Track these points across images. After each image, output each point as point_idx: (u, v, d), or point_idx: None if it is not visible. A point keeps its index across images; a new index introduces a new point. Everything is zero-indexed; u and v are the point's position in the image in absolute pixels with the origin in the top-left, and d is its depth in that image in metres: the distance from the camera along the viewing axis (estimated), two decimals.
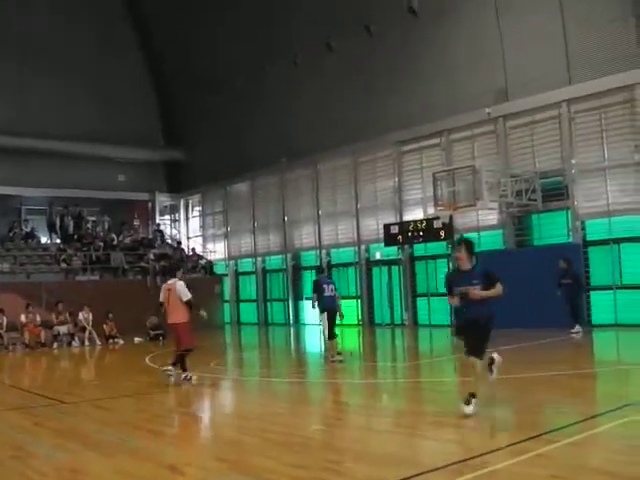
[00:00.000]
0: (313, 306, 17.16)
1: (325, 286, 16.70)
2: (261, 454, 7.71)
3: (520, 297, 18.33)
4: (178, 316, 13.56)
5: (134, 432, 9.31)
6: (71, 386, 15.54)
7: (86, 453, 8.09)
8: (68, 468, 7.47)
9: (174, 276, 14.04)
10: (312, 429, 9.28)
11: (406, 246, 27.28)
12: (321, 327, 17.16)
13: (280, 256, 33.66)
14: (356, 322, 29.16)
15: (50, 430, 9.71)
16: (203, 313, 14.54)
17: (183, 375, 13.54)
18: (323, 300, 16.58)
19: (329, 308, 16.53)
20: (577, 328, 19.48)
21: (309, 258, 32.31)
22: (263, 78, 32.21)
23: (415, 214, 26.92)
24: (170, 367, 13.74)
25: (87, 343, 25.57)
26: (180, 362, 13.66)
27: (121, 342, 25.66)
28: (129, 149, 38.16)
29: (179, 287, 13.55)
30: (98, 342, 25.66)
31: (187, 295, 13.51)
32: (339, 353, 16.40)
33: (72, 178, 35.61)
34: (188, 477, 6.92)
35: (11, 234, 34.05)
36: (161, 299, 13.92)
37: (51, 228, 35.78)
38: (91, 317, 26.08)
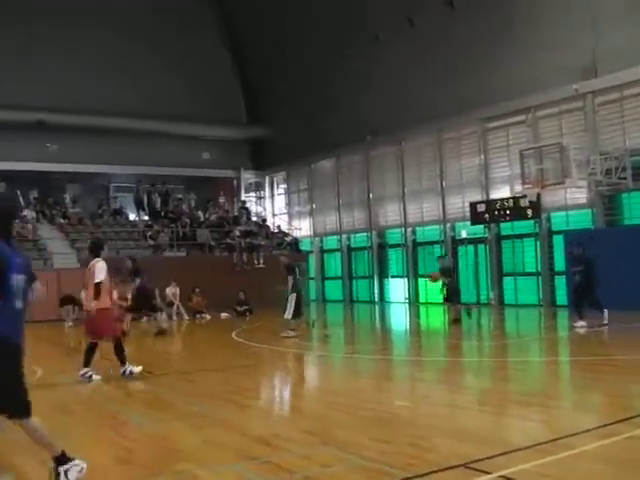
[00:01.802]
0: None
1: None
2: (347, 428, 7.75)
3: (610, 277, 17.90)
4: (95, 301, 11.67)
5: (222, 404, 9.46)
6: (160, 359, 15.89)
7: (175, 423, 8.27)
8: (159, 436, 7.66)
9: (97, 255, 12.01)
10: (397, 405, 9.27)
11: (492, 225, 26.94)
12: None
13: (365, 234, 33.60)
14: (442, 301, 28.95)
15: (141, 401, 9.99)
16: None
17: (82, 371, 11.70)
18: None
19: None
20: (580, 322, 17.28)
21: (394, 236, 32.20)
22: (346, 55, 32.03)
23: (502, 192, 26.47)
24: (84, 369, 11.72)
25: (175, 318, 26.05)
26: (86, 355, 11.80)
27: (208, 317, 26.05)
28: (214, 127, 38.56)
29: (95, 268, 11.69)
30: (185, 317, 26.13)
31: (99, 277, 11.61)
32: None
33: (158, 156, 36.16)
34: (275, 448, 6.99)
35: (100, 211, 34.91)
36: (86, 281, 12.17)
37: (139, 205, 36.52)
38: (178, 292, 26.57)
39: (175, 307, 26.29)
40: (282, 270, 18.93)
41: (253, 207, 40.62)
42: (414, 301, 30.42)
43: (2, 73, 32.75)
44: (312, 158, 36.06)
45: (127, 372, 11.78)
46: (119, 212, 35.40)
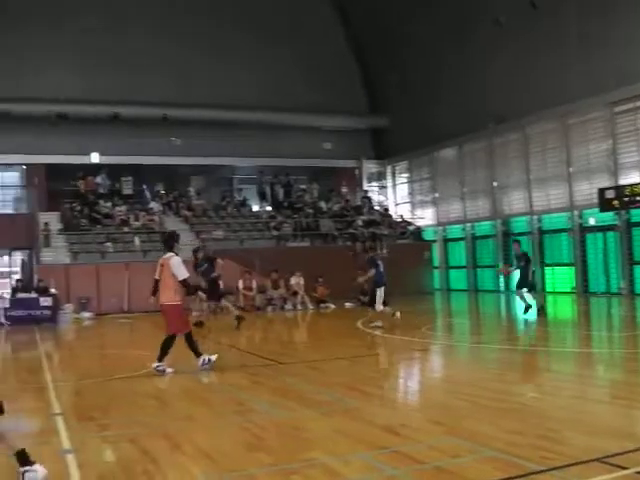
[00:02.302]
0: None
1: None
2: (475, 419, 7.66)
3: None
4: (168, 296, 11.53)
5: (348, 393, 9.47)
6: (286, 348, 16.11)
7: (304, 411, 8.35)
8: (288, 424, 7.75)
9: (171, 249, 11.81)
10: (527, 396, 9.07)
11: (622, 211, 26.06)
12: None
13: (489, 222, 33.08)
14: (570, 290, 28.31)
15: (268, 388, 10.10)
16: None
17: (155, 364, 11.52)
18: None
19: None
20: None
21: (519, 224, 31.59)
22: (466, 40, 31.56)
23: (632, 178, 25.58)
24: (157, 363, 11.54)
25: (299, 307, 26.35)
26: (163, 348, 11.59)
27: (332, 307, 26.21)
28: (335, 117, 38.64)
29: (174, 263, 11.47)
30: (310, 306, 26.37)
31: (184, 274, 11.48)
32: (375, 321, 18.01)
33: (281, 148, 36.55)
34: (403, 438, 6.97)
35: (224, 203, 35.59)
36: (155, 276, 11.80)
37: (262, 196, 37.10)
38: (302, 282, 26.83)
39: (299, 297, 26.57)
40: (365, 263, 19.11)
41: (375, 196, 40.58)
42: (540, 290, 29.80)
43: (131, 69, 33.87)
44: (434, 146, 35.71)
45: (205, 361, 11.67)
46: (243, 203, 36.02)
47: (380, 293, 18.18)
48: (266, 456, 6.49)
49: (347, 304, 26.46)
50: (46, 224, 28.91)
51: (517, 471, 5.70)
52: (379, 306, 18.14)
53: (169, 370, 11.52)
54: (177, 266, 11.35)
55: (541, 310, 19.36)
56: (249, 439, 7.12)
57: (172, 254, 11.58)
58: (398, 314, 18.03)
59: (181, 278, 11.33)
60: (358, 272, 20.73)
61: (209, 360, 11.69)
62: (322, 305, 26.42)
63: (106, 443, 7.22)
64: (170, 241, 11.99)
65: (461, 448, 6.47)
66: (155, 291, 11.67)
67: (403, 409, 8.85)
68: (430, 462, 6.03)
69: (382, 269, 18.63)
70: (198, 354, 11.75)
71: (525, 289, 19.61)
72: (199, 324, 18.90)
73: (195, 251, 20.90)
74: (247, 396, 9.54)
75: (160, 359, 11.45)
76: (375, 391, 9.93)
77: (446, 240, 36.45)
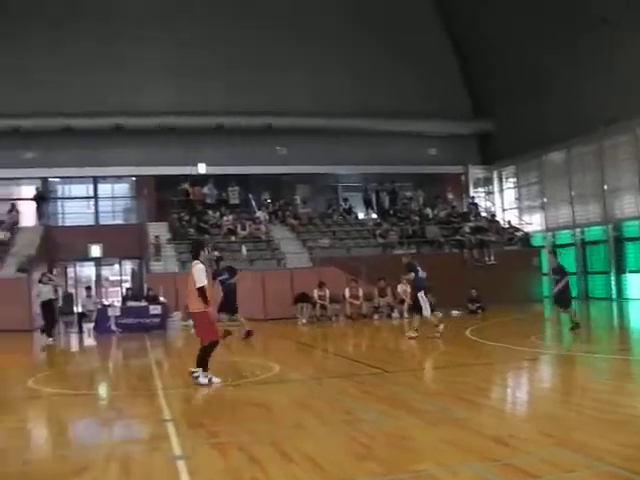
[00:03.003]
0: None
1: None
2: (585, 431, 7.43)
3: None
4: (193, 304, 11.59)
5: (455, 402, 9.33)
6: (393, 356, 16.04)
7: (411, 420, 8.26)
8: (396, 434, 7.68)
9: (196, 257, 11.89)
10: None
11: None
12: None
13: (600, 227, 32.19)
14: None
15: (376, 398, 10.05)
16: None
17: (195, 373, 11.49)
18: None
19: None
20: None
21: (632, 229, 30.65)
22: (572, 40, 30.80)
23: None
24: (195, 369, 11.55)
25: (406, 315, 26.19)
26: (199, 358, 11.52)
27: (439, 315, 25.93)
28: (440, 123, 38.38)
29: (195, 271, 11.47)
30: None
31: (202, 281, 11.36)
32: (416, 330, 17.84)
33: (384, 154, 36.55)
34: (513, 449, 6.81)
35: (330, 210, 35.78)
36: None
37: (367, 204, 37.15)
38: (409, 290, 26.61)
39: (406, 305, 26.41)
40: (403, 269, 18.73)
41: (482, 202, 40.08)
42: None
43: (233, 81, 34.55)
44: (541, 150, 34.99)
45: (200, 378, 11.39)
46: (349, 211, 36.12)
47: (424, 298, 17.96)
48: (376, 466, 6.44)
49: (454, 312, 26.17)
50: (157, 237, 29.64)
51: None
52: (427, 312, 17.91)
53: (215, 380, 11.42)
54: (197, 273, 11.37)
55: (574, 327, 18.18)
56: (358, 448, 7.09)
57: (197, 262, 11.63)
58: (441, 327, 17.86)
59: (198, 285, 11.30)
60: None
61: (210, 380, 11.42)
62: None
63: (215, 450, 7.30)
64: (197, 249, 12.11)
65: (574, 462, 6.27)
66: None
67: (512, 419, 8.66)
68: (544, 476, 5.87)
69: (421, 274, 18.52)
70: (205, 368, 11.47)
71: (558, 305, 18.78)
72: (226, 333, 18.73)
73: (216, 260, 20.96)
74: (355, 405, 9.52)
75: (204, 369, 11.39)
76: (482, 401, 9.77)
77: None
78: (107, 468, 6.78)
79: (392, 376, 12.15)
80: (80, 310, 26.26)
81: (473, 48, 38.26)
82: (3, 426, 9.07)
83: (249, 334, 19.49)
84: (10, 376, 14.20)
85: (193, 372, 11.44)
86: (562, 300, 18.47)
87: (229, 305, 19.45)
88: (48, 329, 20.70)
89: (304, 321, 25.33)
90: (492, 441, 7.11)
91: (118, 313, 24.68)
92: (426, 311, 17.93)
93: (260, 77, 35.11)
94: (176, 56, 34.72)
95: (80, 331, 24.47)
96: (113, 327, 24.02)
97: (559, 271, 19.05)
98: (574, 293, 32.62)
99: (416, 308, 18.13)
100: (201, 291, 11.30)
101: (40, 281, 21.34)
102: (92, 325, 25.07)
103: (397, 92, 36.30)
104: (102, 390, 12.75)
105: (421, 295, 18.00)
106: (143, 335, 22.42)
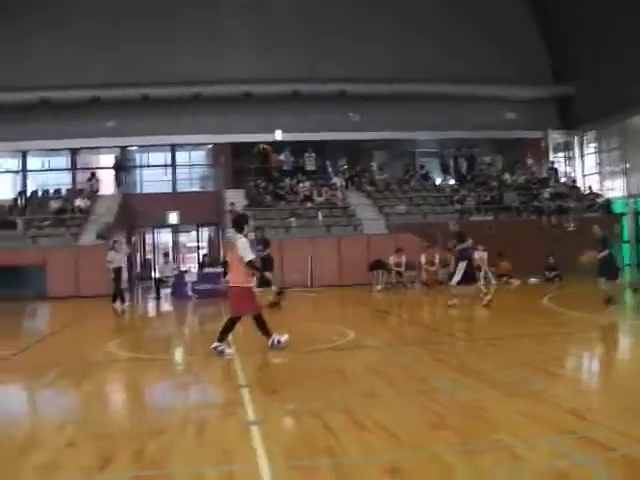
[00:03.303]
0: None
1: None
2: None
3: None
4: (236, 278, 11.43)
5: (533, 373, 9.19)
6: (468, 324, 15.90)
7: (486, 391, 8.17)
8: (470, 404, 7.61)
9: (240, 231, 11.60)
10: None
11: None
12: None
13: None
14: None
15: (450, 366, 9.97)
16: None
17: (215, 344, 11.27)
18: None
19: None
20: None
21: None
22: None
23: None
24: (217, 343, 11.30)
25: (482, 282, 25.93)
26: (224, 329, 11.47)
27: (516, 282, 25.66)
28: (519, 87, 37.52)
29: (240, 245, 11.30)
30: (493, 281, 25.91)
31: (249, 255, 11.27)
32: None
33: (462, 120, 36.01)
34: (589, 422, 6.67)
35: (407, 176, 35.54)
36: (227, 257, 11.92)
37: (445, 169, 36.78)
38: (486, 256, 26.37)
39: (483, 272, 26.17)
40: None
41: (562, 168, 39.28)
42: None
43: (308, 48, 34.47)
44: (624, 114, 33.95)
45: (275, 342, 11.44)
46: (426, 177, 35.83)
47: (461, 269, 17.80)
48: (450, 435, 6.40)
49: (532, 280, 25.85)
50: (232, 204, 29.64)
51: None
52: (454, 281, 17.88)
53: (228, 351, 11.30)
54: (243, 248, 11.22)
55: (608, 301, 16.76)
56: (432, 418, 7.05)
57: (240, 236, 11.46)
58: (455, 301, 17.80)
59: (247, 259, 11.18)
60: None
61: (279, 341, 11.48)
62: (505, 279, 25.96)
63: (289, 416, 7.39)
64: (240, 223, 11.77)
65: None
66: (226, 273, 11.43)
67: (589, 392, 8.48)
68: (620, 449, 5.76)
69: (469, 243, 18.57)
70: (269, 335, 11.51)
71: (603, 278, 17.94)
72: (274, 305, 18.63)
73: (254, 231, 20.62)
74: (429, 373, 9.47)
75: (220, 340, 11.27)
76: (560, 372, 9.61)
77: (638, 213, 34.80)
78: (183, 431, 6.89)
79: (467, 345, 12.11)
80: (158, 276, 26.70)
81: (553, 11, 37.26)
82: (83, 390, 9.28)
83: (274, 305, 19.08)
84: (89, 341, 14.52)
85: (217, 347, 11.23)
86: (605, 271, 17.65)
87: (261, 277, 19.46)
88: (122, 295, 21.11)
89: (379, 288, 25.30)
90: (569, 414, 6.98)
91: (195, 279, 25.04)
92: (454, 280, 17.88)
93: (338, 45, 34.97)
94: (254, 24, 34.78)
95: (158, 297, 24.88)
96: (190, 293, 24.38)
97: (600, 243, 18.34)
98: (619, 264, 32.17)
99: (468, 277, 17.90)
100: (250, 265, 11.25)
101: (112, 248, 21.70)
102: (169, 290, 25.49)
103: (475, 56, 35.64)
104: (178, 355, 12.95)
105: (462, 265, 17.78)
106: (219, 301, 22.67)
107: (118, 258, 21.44)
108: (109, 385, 10.23)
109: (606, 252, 17.05)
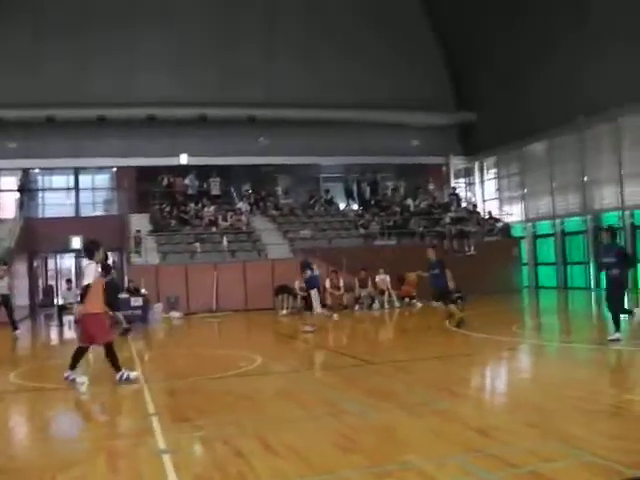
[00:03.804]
0: None
1: None
2: (570, 421, 7.50)
3: None
4: (89, 305, 11.16)
5: (439, 394, 9.40)
6: (375, 347, 16.10)
7: (396, 412, 8.29)
8: (381, 426, 7.72)
9: (92, 257, 11.42)
10: (622, 398, 8.85)
11: None
12: None
13: (580, 217, 32.35)
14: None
15: (360, 389, 10.05)
16: None
17: (67, 374, 11.19)
18: None
19: None
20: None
21: (611, 219, 30.81)
22: (553, 30, 30.81)
23: None
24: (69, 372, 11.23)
25: (386, 305, 26.29)
26: (73, 360, 11.26)
27: (419, 305, 26.08)
28: (422, 114, 38.32)
29: (86, 270, 11.32)
30: (397, 304, 26.28)
31: (89, 278, 11.11)
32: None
33: (367, 145, 36.53)
34: (496, 440, 6.85)
35: (311, 202, 35.79)
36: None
37: (348, 194, 37.21)
38: (388, 279, 26.76)
39: (386, 295, 26.53)
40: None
41: (463, 193, 40.22)
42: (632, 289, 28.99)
43: (217, 71, 34.46)
44: (523, 141, 35.05)
45: (124, 377, 11.16)
46: (330, 202, 36.14)
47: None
48: (361, 458, 6.47)
49: (434, 303, 26.27)
50: (138, 231, 29.39)
51: (618, 477, 5.57)
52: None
53: (80, 380, 11.09)
54: (88, 273, 11.19)
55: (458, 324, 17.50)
56: (343, 441, 7.10)
57: (90, 262, 11.37)
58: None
59: (84, 283, 11.21)
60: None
61: (128, 377, 11.23)
62: (408, 301, 26.40)
63: (200, 444, 7.34)
64: (92, 249, 11.50)
65: (556, 452, 6.33)
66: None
67: (495, 411, 8.72)
68: (525, 466, 5.93)
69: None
70: (118, 368, 11.27)
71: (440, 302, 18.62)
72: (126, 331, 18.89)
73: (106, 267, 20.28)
74: (339, 397, 9.53)
75: (72, 368, 11.18)
76: (466, 392, 9.84)
77: (535, 236, 35.87)
78: (94, 462, 6.77)
79: (375, 367, 12.18)
80: (61, 302, 26.10)
81: (456, 41, 38.23)
82: None
83: (126, 331, 19.67)
84: None
85: (68, 376, 11.12)
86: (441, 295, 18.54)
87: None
88: (13, 322, 20.59)
89: (284, 312, 25.35)
90: (476, 432, 7.16)
91: None
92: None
93: (245, 67, 35.09)
94: (161, 45, 34.49)
95: (61, 324, 24.30)
96: None
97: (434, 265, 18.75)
98: (554, 283, 33.12)
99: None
100: (85, 289, 11.12)
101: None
102: (73, 318, 24.91)
103: (379, 84, 36.18)
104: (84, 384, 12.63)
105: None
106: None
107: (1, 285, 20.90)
108: (13, 417, 9.94)
109: (437, 274, 17.69)
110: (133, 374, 11.37)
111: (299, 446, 6.91)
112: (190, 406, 9.32)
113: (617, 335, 13.28)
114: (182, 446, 7.22)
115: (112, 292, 18.39)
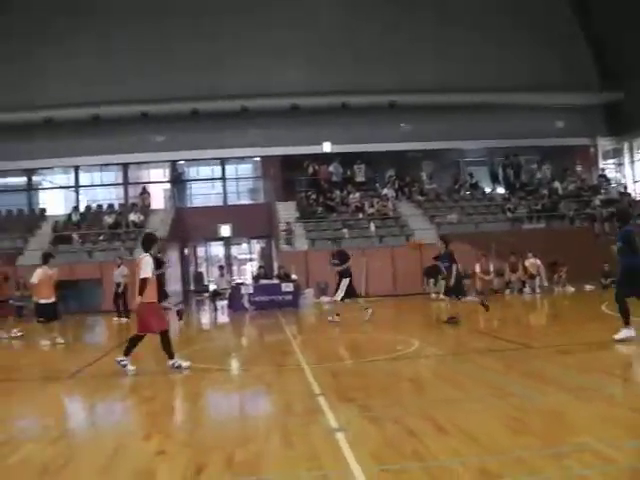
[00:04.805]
0: None
1: None
2: None
3: None
4: (140, 296, 11.42)
5: (604, 378, 9.22)
6: (531, 331, 15.90)
7: (561, 396, 8.20)
8: (548, 409, 7.67)
9: (148, 249, 11.78)
10: None
11: None
12: None
13: None
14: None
15: (521, 372, 9.97)
16: None
17: (119, 358, 11.61)
18: None
19: None
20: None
21: None
22: None
23: None
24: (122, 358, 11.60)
25: (538, 290, 25.88)
26: (128, 346, 11.65)
27: (572, 289, 25.55)
28: (566, 95, 37.47)
29: (142, 263, 11.52)
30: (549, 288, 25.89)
31: (146, 272, 11.37)
32: None
33: (510, 128, 36.02)
34: None
35: (456, 186, 35.54)
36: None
37: (494, 178, 36.74)
38: (539, 263, 26.33)
39: (538, 279, 26.13)
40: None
41: (612, 174, 38.98)
42: None
43: (357, 60, 34.64)
44: None
45: (175, 365, 11.53)
46: (475, 186, 35.80)
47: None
48: (533, 439, 6.45)
49: (587, 286, 25.72)
50: (288, 223, 29.97)
51: None
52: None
53: (130, 368, 11.49)
54: (144, 266, 11.41)
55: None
56: (512, 422, 7.09)
57: (146, 254, 11.66)
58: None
59: (141, 277, 11.37)
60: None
61: (179, 365, 11.60)
62: (560, 288, 25.90)
63: (371, 423, 7.44)
64: (149, 243, 11.92)
65: None
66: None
67: None
68: None
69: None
70: (171, 355, 11.62)
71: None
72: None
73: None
74: (501, 380, 9.52)
75: (126, 354, 11.53)
76: (632, 377, 9.62)
77: None
78: (270, 439, 7.02)
79: (534, 352, 12.04)
80: (214, 288, 26.99)
81: (600, 15, 37.02)
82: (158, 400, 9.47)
83: (180, 313, 21.36)
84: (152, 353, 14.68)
85: (120, 361, 11.52)
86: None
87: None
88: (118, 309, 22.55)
89: (434, 295, 25.28)
90: None
91: (251, 291, 25.26)
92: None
93: (382, 57, 35.12)
94: (301, 37, 35.04)
95: (214, 309, 25.13)
96: (246, 304, 24.60)
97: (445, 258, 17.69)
98: None
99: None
100: (143, 282, 11.33)
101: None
102: (226, 303, 25.74)
103: (524, 65, 35.59)
104: (247, 365, 13.01)
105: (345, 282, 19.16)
106: (276, 312, 22.90)
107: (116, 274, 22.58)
108: (189, 396, 10.34)
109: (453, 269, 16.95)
110: (185, 363, 11.69)
111: (469, 427, 6.94)
112: (354, 387, 9.50)
113: None
114: (353, 425, 7.37)
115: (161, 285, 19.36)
